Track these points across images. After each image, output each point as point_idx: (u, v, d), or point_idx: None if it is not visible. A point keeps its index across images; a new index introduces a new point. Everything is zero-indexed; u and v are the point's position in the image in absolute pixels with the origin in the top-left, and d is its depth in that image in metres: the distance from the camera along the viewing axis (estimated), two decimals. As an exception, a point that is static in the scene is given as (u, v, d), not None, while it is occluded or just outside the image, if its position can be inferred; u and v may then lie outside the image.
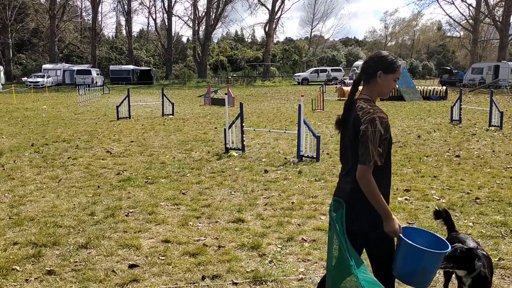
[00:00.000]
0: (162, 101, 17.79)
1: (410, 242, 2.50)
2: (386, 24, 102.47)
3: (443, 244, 2.64)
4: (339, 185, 2.84)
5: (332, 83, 46.02)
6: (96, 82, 42.83)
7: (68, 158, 9.10)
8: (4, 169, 8.12)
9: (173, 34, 64.18)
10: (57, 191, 6.65)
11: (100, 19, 64.68)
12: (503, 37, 46.58)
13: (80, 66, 50.12)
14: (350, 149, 2.66)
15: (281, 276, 3.91)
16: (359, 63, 51.10)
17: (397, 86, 2.73)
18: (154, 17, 65.54)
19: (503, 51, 46.71)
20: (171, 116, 17.48)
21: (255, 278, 3.87)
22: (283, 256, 4.35)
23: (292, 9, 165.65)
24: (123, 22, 70.43)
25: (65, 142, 11.13)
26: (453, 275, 3.51)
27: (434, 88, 26.86)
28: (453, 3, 62.12)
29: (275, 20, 60.50)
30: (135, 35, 70.77)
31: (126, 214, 5.57)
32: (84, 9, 68.09)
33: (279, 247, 4.55)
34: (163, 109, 17.78)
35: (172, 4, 60.32)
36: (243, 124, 9.51)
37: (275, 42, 69.90)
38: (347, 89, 27.03)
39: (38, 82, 42.32)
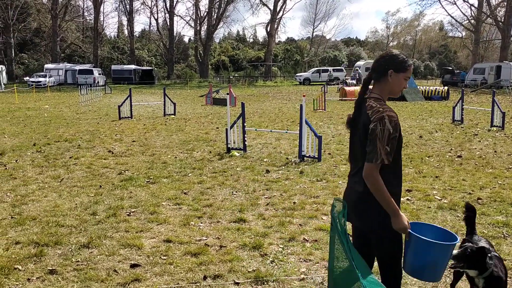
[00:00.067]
0: (164, 101, 17.80)
1: (419, 235, 2.52)
2: (388, 24, 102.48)
3: (451, 236, 2.66)
4: (348, 185, 2.83)
5: (334, 83, 45.90)
6: (98, 82, 42.91)
7: (70, 157, 9.12)
8: (6, 168, 8.13)
9: (175, 34, 64.26)
10: (59, 190, 6.66)
11: (102, 19, 64.89)
12: (505, 38, 46.48)
13: (82, 66, 50.19)
14: (360, 148, 2.64)
15: (282, 276, 3.91)
16: (361, 63, 51.12)
17: (407, 85, 2.72)
18: (156, 17, 65.93)
19: (505, 52, 46.62)
20: (173, 116, 17.49)
21: (257, 278, 3.87)
22: (285, 256, 4.35)
23: (294, 9, 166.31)
24: (125, 22, 70.61)
25: (67, 141, 11.14)
26: (464, 277, 3.41)
27: (436, 89, 26.80)
28: (455, 3, 62.25)
29: (277, 20, 60.48)
30: (137, 35, 70.88)
31: (128, 213, 5.58)
32: (86, 9, 68.34)
33: (280, 247, 4.55)
34: (165, 109, 17.79)
35: (174, 4, 60.43)
36: (245, 124, 9.52)
37: (276, 42, 69.86)
38: (349, 89, 27.01)
39: (40, 81, 42.38)
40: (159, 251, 4.44)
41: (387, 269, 2.77)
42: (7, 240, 4.72)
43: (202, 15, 62.37)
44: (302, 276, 3.93)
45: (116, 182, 7.12)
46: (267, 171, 7.85)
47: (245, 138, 9.58)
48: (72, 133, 12.58)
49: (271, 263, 4.20)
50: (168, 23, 62.18)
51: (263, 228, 5.09)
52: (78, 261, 4.21)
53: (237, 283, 3.81)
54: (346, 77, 48.29)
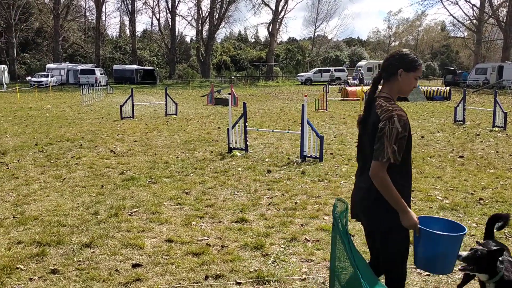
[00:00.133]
0: (166, 101, 17.81)
1: (427, 229, 2.54)
2: (390, 24, 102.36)
3: (459, 228, 2.68)
4: (356, 185, 2.83)
5: (336, 83, 45.91)
6: (100, 82, 42.98)
7: (72, 157, 9.13)
8: (8, 168, 8.15)
9: (176, 34, 64.23)
10: (61, 190, 6.67)
11: (104, 19, 64.91)
12: (507, 38, 46.40)
13: (84, 66, 50.23)
14: (369, 148, 2.63)
15: (284, 276, 3.91)
16: (363, 63, 51.07)
17: (417, 85, 2.73)
18: (157, 17, 65.49)
19: (507, 52, 46.54)
20: (175, 116, 17.50)
21: (258, 278, 3.87)
22: (286, 256, 4.35)
23: (296, 9, 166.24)
24: (126, 22, 70.73)
25: (69, 141, 11.16)
26: (474, 280, 3.35)
27: (438, 89, 26.78)
28: (457, 4, 62.00)
29: (279, 20, 60.49)
30: (139, 35, 70.89)
31: (129, 213, 5.59)
32: (88, 8, 68.36)
33: (282, 247, 4.55)
34: (166, 109, 17.80)
35: (176, 4, 60.38)
36: (247, 124, 9.52)
37: (278, 42, 69.88)
38: (351, 89, 26.99)
39: (42, 81, 42.44)
40: (160, 251, 4.45)
41: (391, 269, 2.77)
42: (9, 239, 4.73)
43: (204, 15, 62.41)
44: (304, 276, 3.94)
45: (118, 182, 7.13)
46: (269, 171, 7.86)
47: (247, 138, 9.58)
48: (74, 133, 12.60)
49: (272, 263, 4.21)
50: (170, 23, 62.20)
51: (265, 228, 5.09)
52: (80, 260, 4.22)
53: (239, 283, 3.81)
54: (348, 77, 48.31)
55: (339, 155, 9.28)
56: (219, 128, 13.72)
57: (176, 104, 17.98)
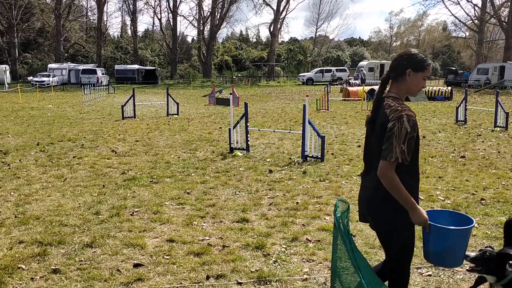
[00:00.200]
0: (167, 101, 17.83)
1: (439, 225, 2.56)
2: (391, 24, 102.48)
3: (467, 220, 2.70)
4: (362, 186, 2.82)
5: (337, 83, 45.93)
6: (101, 82, 43.04)
7: (74, 157, 9.14)
8: (10, 168, 8.16)
9: (178, 34, 64.30)
10: (62, 190, 6.68)
11: (105, 18, 64.91)
12: (509, 38, 46.36)
13: (86, 66, 50.31)
14: (376, 148, 2.62)
15: (285, 276, 3.91)
16: (364, 63, 51.03)
17: (426, 85, 2.72)
18: (159, 17, 66.01)
19: (508, 52, 46.49)
20: (176, 115, 17.51)
21: (260, 278, 3.87)
22: (288, 256, 4.35)
23: (297, 9, 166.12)
24: (128, 22, 70.82)
25: (71, 141, 11.17)
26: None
27: (439, 89, 26.74)
28: (459, 4, 62.10)
29: (280, 20, 60.50)
30: (140, 35, 71.02)
31: (131, 213, 5.59)
32: (89, 8, 68.48)
33: (283, 247, 4.55)
34: (168, 109, 17.81)
35: (177, 4, 60.48)
36: (248, 124, 9.52)
37: (280, 42, 69.90)
38: (352, 89, 26.98)
39: (43, 81, 42.53)
40: (162, 251, 4.45)
41: (395, 269, 2.76)
42: (10, 239, 4.74)
43: (205, 15, 62.48)
44: (305, 276, 3.93)
45: (119, 182, 7.13)
46: (270, 171, 7.86)
47: (248, 138, 9.58)
48: (76, 133, 12.62)
49: (274, 263, 4.20)
50: (171, 23, 62.29)
51: (266, 228, 5.09)
52: (82, 260, 4.22)
53: (240, 283, 3.81)
54: (349, 77, 48.28)
55: (340, 155, 9.28)
56: (220, 128, 13.72)
57: (177, 104, 17.99)
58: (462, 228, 2.61)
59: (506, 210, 5.66)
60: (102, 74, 47.95)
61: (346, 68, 55.82)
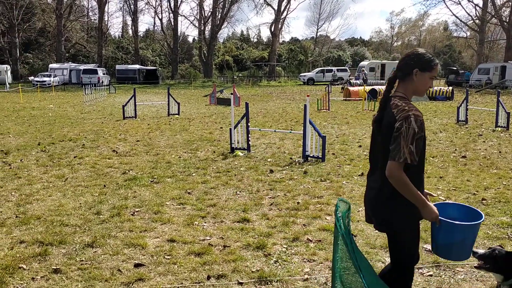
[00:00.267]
0: (168, 101, 17.83)
1: (449, 220, 2.58)
2: (392, 24, 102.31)
3: (476, 213, 2.73)
4: (367, 186, 2.81)
5: (338, 83, 45.90)
6: (102, 82, 43.03)
7: (75, 157, 9.14)
8: (11, 168, 8.17)
9: (179, 34, 64.31)
10: (63, 190, 6.68)
11: (106, 18, 64.94)
12: (510, 38, 46.31)
13: (87, 66, 50.33)
14: (382, 147, 2.61)
15: (286, 276, 3.91)
16: (365, 63, 51.01)
17: (433, 85, 2.73)
18: (160, 17, 65.86)
19: (510, 52, 46.44)
20: (177, 115, 17.51)
21: (260, 278, 3.87)
22: (289, 256, 4.35)
23: (298, 9, 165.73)
24: (129, 22, 70.77)
25: (72, 141, 11.18)
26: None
27: (440, 89, 26.71)
28: (460, 3, 62.08)
29: (281, 20, 60.49)
30: (141, 35, 70.99)
31: (132, 213, 5.59)
32: (90, 8, 68.52)
33: (284, 247, 4.55)
34: (169, 109, 17.82)
35: (178, 4, 60.43)
36: (249, 124, 9.52)
37: (280, 42, 69.89)
38: (353, 89, 26.96)
39: (44, 81, 42.56)
40: (163, 251, 4.45)
41: (398, 269, 2.76)
42: (11, 239, 4.74)
43: (206, 15, 62.49)
44: (306, 276, 3.93)
45: (120, 182, 7.13)
46: (271, 171, 7.85)
47: (249, 138, 9.58)
48: (77, 133, 12.62)
49: (274, 263, 4.20)
50: (172, 23, 62.26)
51: (267, 228, 5.09)
52: (82, 260, 4.22)
53: (241, 283, 3.81)
54: (350, 77, 48.23)
55: (341, 155, 9.27)
56: (221, 128, 13.72)
57: (178, 104, 17.99)
58: (472, 224, 2.62)
59: (507, 210, 5.65)
60: (103, 74, 47.96)
61: (347, 68, 55.79)
